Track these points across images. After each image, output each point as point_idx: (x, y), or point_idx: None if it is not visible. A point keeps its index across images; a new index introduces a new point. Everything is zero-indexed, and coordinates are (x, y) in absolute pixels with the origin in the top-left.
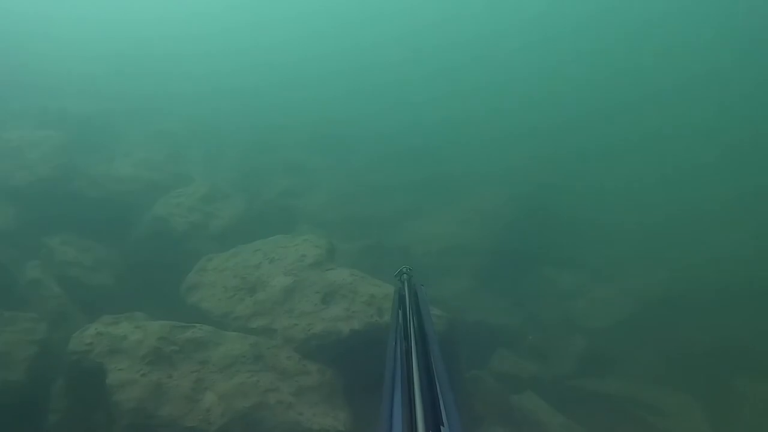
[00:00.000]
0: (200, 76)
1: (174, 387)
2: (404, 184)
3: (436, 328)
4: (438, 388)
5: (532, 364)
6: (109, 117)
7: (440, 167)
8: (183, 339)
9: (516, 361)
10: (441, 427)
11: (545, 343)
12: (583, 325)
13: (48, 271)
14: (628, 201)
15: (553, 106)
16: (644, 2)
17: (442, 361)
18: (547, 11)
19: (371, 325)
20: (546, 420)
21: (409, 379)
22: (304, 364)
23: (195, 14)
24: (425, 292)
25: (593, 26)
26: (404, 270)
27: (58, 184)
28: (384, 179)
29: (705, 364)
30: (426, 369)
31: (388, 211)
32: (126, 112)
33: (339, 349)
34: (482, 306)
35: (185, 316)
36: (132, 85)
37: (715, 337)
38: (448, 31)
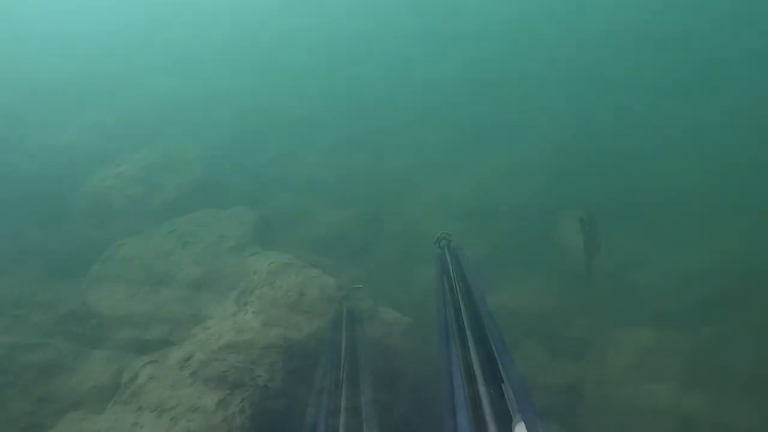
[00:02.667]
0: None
1: None
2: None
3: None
4: (494, 348)
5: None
6: (60, 84)
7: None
8: (24, 363)
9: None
10: (501, 384)
11: None
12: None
13: None
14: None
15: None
16: None
17: (494, 320)
18: None
19: (293, 342)
20: None
21: (463, 342)
22: (199, 398)
23: None
24: (467, 255)
25: None
26: (443, 235)
27: None
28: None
29: None
30: (480, 330)
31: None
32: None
33: (244, 376)
34: None
35: (79, 321)
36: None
37: None
38: None
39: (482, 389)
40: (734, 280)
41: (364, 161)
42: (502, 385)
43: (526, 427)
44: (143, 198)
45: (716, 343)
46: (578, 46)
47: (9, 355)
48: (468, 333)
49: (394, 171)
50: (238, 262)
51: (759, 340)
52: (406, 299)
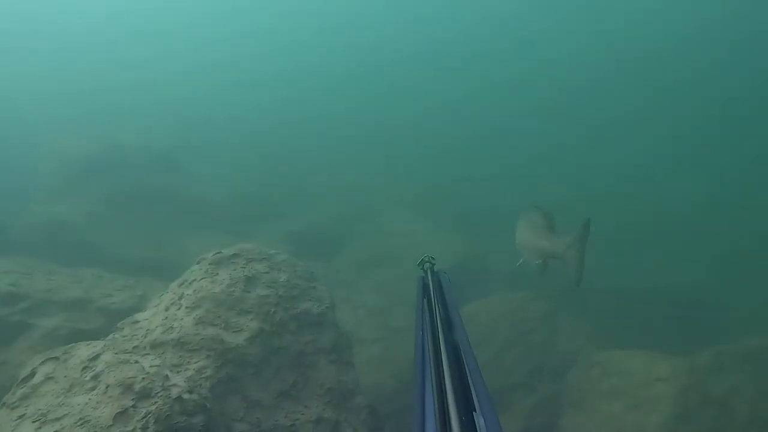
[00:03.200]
0: None
1: None
2: None
3: None
4: (469, 375)
5: None
6: None
7: None
8: None
9: None
10: (474, 412)
11: None
12: None
13: None
14: None
15: None
16: None
17: (470, 347)
18: None
19: (230, 346)
20: None
21: (438, 368)
22: (94, 408)
23: None
24: (449, 280)
25: None
26: (426, 259)
27: None
28: None
29: None
30: (455, 356)
31: None
32: None
33: (155, 384)
34: None
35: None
36: None
37: None
38: None
39: (453, 416)
40: None
41: None
42: (474, 413)
43: None
44: None
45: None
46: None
47: None
48: (444, 357)
49: None
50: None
51: None
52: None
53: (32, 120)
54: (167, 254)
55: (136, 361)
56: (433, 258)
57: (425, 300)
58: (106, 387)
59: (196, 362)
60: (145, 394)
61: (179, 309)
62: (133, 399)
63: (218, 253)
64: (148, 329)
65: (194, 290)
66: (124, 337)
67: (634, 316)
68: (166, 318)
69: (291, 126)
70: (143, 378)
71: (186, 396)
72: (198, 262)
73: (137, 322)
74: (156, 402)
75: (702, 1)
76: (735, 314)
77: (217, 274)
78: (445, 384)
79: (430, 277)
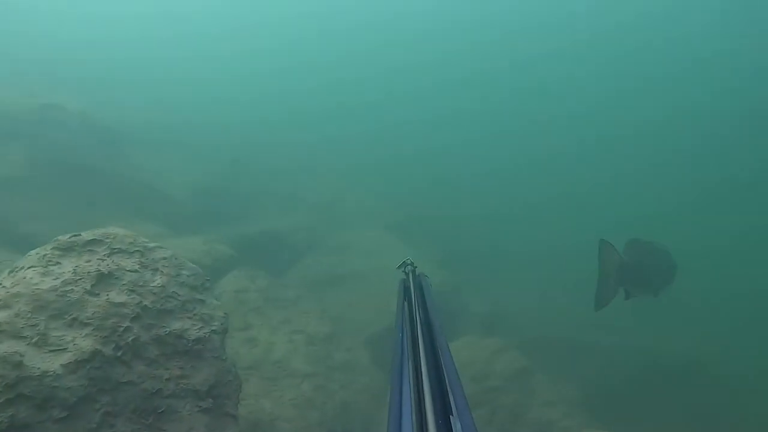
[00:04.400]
0: None
1: None
2: None
3: None
4: (446, 378)
5: None
6: None
7: None
8: None
9: None
10: (450, 416)
11: None
12: None
13: None
14: None
15: None
16: None
17: (449, 351)
18: None
19: (34, 374)
20: None
21: (416, 370)
22: None
23: None
24: (429, 283)
25: None
26: (407, 261)
27: None
28: None
29: None
30: (434, 359)
31: None
32: None
33: None
34: None
35: None
36: None
37: None
38: None
39: (430, 419)
40: None
41: None
42: (451, 417)
43: None
44: None
45: None
46: None
47: None
48: (422, 360)
49: None
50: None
51: None
52: None
53: None
54: None
55: None
56: (413, 261)
57: (406, 302)
58: None
59: None
60: None
61: None
62: None
63: (76, 235)
64: None
65: (12, 283)
66: None
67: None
68: None
69: (269, 125)
70: None
71: None
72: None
73: None
74: None
75: None
76: (737, 385)
77: (58, 263)
78: (422, 386)
79: (411, 280)
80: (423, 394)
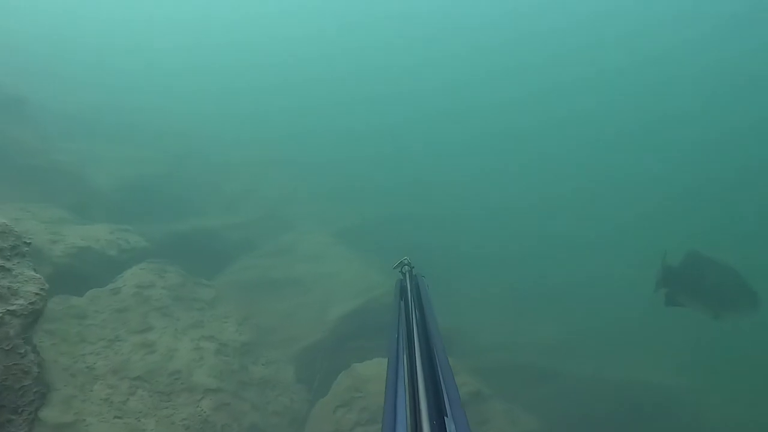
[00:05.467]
0: None
1: None
2: None
3: None
4: (441, 379)
5: None
6: None
7: None
8: None
9: None
10: (444, 417)
11: None
12: None
13: None
14: None
15: None
16: None
17: (444, 352)
18: None
19: None
20: None
21: (412, 370)
22: None
23: None
24: (426, 283)
25: None
26: (405, 261)
27: None
28: None
29: None
30: (429, 360)
31: None
32: None
33: None
34: None
35: None
36: None
37: None
38: None
39: (425, 419)
40: None
41: None
42: (445, 418)
43: None
44: None
45: None
46: None
47: None
48: (418, 361)
49: None
50: None
51: None
52: None
53: None
54: None
55: None
56: (410, 260)
57: (402, 302)
58: None
59: None
60: None
61: None
62: None
63: None
64: None
65: None
66: None
67: (600, 415)
68: None
69: (227, 119)
70: None
71: None
72: None
73: None
74: None
75: None
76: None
77: None
78: (417, 387)
79: (408, 281)
80: (418, 395)
